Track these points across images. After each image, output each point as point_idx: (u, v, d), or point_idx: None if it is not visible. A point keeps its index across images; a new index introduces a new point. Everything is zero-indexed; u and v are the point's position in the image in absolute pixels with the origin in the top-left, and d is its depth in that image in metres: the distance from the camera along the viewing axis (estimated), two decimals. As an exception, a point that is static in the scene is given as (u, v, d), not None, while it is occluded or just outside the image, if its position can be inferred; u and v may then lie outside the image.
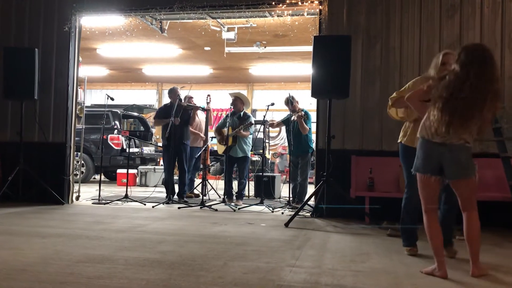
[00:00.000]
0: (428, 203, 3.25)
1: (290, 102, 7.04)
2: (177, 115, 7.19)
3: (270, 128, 8.35)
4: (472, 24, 5.83)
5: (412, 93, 3.38)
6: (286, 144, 7.56)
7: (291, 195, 7.09)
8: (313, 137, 6.92)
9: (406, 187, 3.91)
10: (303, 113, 6.97)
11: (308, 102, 7.07)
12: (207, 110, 7.64)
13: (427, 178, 3.21)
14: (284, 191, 8.13)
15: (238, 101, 7.44)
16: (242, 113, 7.44)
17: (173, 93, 7.56)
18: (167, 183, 7.40)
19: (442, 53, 3.75)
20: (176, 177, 7.89)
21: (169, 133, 7.18)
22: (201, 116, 8.12)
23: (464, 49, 3.18)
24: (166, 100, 7.93)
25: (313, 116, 6.72)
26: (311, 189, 6.67)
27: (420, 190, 3.28)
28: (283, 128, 7.69)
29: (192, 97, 7.97)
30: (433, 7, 5.96)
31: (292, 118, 7.01)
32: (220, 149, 7.54)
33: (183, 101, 7.61)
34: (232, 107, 7.44)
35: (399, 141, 4.04)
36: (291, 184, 7.18)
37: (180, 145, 7.42)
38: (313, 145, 7.19)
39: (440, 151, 3.14)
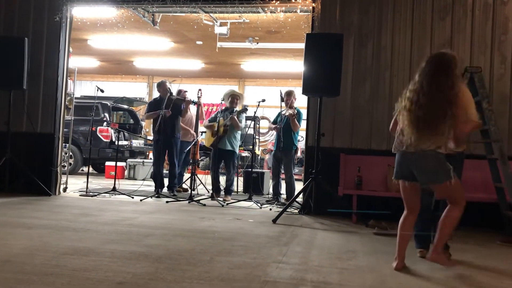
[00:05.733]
0: (406, 204, 3.44)
1: (281, 98, 7.03)
2: (167, 108, 7.18)
3: (261, 124, 8.36)
4: (463, 26, 5.87)
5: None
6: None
7: (273, 193, 7.17)
8: (303, 134, 6.94)
9: None
10: (295, 111, 6.98)
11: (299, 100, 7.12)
12: (198, 104, 7.62)
13: (402, 183, 3.40)
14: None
15: (236, 99, 7.43)
16: (234, 110, 7.43)
17: (161, 86, 7.55)
18: (156, 176, 7.39)
19: None
20: (166, 171, 7.87)
21: (159, 126, 7.16)
22: (192, 111, 8.10)
23: (427, 58, 3.35)
24: (157, 93, 7.90)
25: (304, 114, 6.73)
26: (299, 186, 6.69)
27: (402, 194, 3.45)
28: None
29: (186, 91, 7.97)
30: (425, 8, 6.00)
31: (283, 113, 7.02)
32: (208, 141, 7.46)
33: (177, 95, 7.62)
34: (225, 103, 7.42)
35: None
36: (273, 182, 7.21)
37: (171, 138, 7.41)
38: (297, 143, 7.23)
39: (411, 159, 3.28)
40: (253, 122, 8.04)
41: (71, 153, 10.20)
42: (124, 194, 7.04)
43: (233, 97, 7.43)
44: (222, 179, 7.46)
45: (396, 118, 3.44)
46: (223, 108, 7.45)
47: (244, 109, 7.24)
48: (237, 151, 7.47)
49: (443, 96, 3.14)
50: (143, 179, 9.52)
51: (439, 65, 3.25)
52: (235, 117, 7.14)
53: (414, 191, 3.39)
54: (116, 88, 16.09)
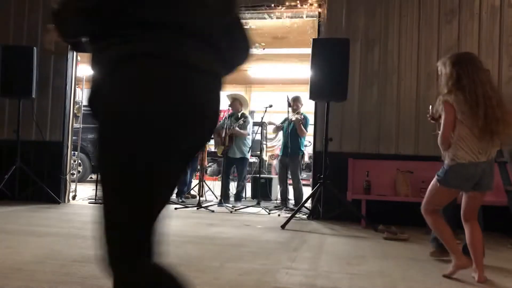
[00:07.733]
0: (437, 207, 3.37)
1: (288, 103, 7.04)
2: None
3: (268, 130, 8.37)
4: (470, 29, 5.85)
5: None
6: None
7: (281, 199, 7.15)
8: (310, 139, 6.93)
9: None
10: (302, 116, 6.97)
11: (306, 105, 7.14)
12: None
13: (456, 192, 3.34)
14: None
15: (237, 102, 7.46)
16: (239, 114, 7.46)
17: None
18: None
19: None
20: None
21: None
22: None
23: (471, 58, 3.29)
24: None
25: (311, 119, 6.72)
26: (306, 191, 6.68)
27: (439, 198, 3.33)
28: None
29: None
30: (432, 11, 5.99)
31: (290, 118, 7.02)
32: (219, 150, 7.54)
33: None
34: (230, 108, 7.46)
35: None
36: (280, 187, 7.20)
37: None
38: (304, 148, 7.23)
39: (483, 168, 3.19)
40: (260, 128, 8.05)
41: (79, 161, 10.26)
42: (132, 201, 7.04)
43: (232, 101, 7.48)
44: (232, 186, 7.47)
45: (451, 124, 3.16)
46: (230, 113, 7.47)
47: (242, 121, 7.29)
48: (248, 156, 7.49)
49: (504, 103, 3.16)
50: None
51: (475, 58, 3.29)
52: (236, 128, 7.19)
53: (456, 196, 3.43)
54: (124, 95, 16.15)
